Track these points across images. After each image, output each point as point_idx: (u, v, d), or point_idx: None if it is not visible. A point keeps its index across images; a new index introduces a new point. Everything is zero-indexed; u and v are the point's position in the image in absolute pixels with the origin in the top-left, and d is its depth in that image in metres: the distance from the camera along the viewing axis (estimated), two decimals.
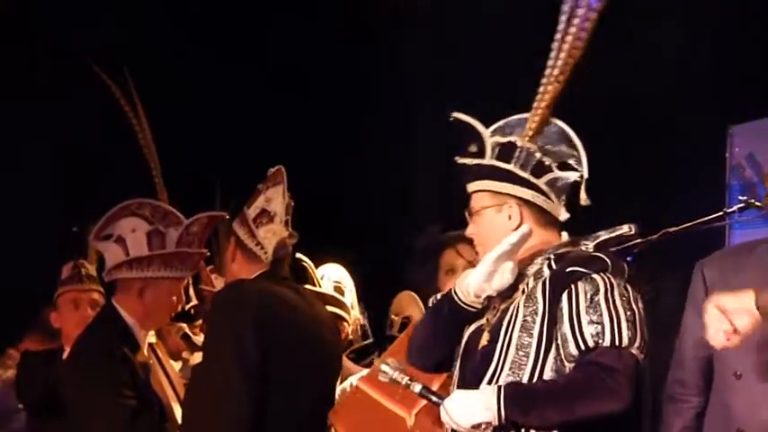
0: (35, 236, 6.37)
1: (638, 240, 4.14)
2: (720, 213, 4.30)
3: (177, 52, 6.97)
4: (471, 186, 3.33)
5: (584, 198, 3.30)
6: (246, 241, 3.91)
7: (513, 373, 3.13)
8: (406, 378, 3.16)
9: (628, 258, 4.13)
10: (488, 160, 3.30)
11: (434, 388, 3.37)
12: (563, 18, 3.23)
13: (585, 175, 3.31)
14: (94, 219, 4.14)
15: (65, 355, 4.50)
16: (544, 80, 3.27)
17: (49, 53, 6.37)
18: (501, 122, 3.36)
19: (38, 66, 6.50)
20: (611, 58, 6.20)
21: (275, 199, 3.90)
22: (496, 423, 3.02)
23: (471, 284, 3.23)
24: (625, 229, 3.30)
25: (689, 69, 6.05)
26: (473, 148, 3.31)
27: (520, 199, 3.28)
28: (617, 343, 3.05)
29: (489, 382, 3.13)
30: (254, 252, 3.90)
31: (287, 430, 3.73)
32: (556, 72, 3.26)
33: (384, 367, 3.18)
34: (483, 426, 3.04)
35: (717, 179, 5.64)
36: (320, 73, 7.14)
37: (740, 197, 4.41)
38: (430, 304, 3.47)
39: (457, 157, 3.35)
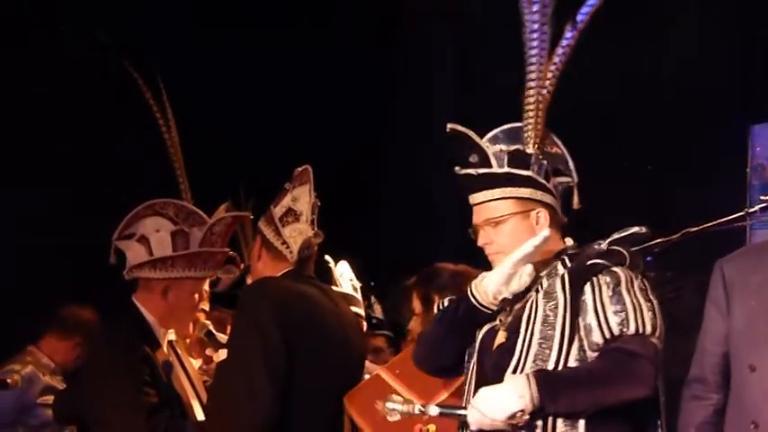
0: (56, 234, 6.39)
1: (659, 240, 4.16)
2: (742, 213, 4.29)
3: (201, 50, 6.98)
4: (484, 195, 3.37)
5: (576, 202, 3.41)
6: (272, 240, 3.94)
7: (537, 364, 3.19)
8: (418, 406, 3.18)
9: (648, 258, 4.15)
10: (504, 168, 3.36)
11: (443, 398, 3.50)
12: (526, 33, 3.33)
13: (576, 180, 3.42)
14: (118, 218, 4.16)
15: None
16: (530, 91, 3.36)
17: (76, 50, 6.38)
18: (495, 132, 3.42)
19: (64, 64, 6.51)
20: (633, 55, 6.21)
21: (302, 198, 3.93)
22: (530, 410, 3.07)
23: (491, 286, 3.29)
24: (636, 228, 3.37)
25: (711, 68, 6.03)
26: (474, 158, 3.36)
27: (544, 204, 3.36)
28: (641, 330, 3.16)
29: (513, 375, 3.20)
30: (280, 251, 3.92)
31: (311, 429, 3.74)
32: (539, 83, 3.35)
33: (390, 405, 3.20)
34: (518, 415, 3.08)
35: (738, 179, 5.62)
36: (345, 69, 7.13)
37: (762, 197, 4.40)
38: (437, 310, 3.54)
39: (458, 168, 3.39)
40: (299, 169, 3.99)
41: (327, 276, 4.28)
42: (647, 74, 6.17)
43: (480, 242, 3.37)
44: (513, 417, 3.07)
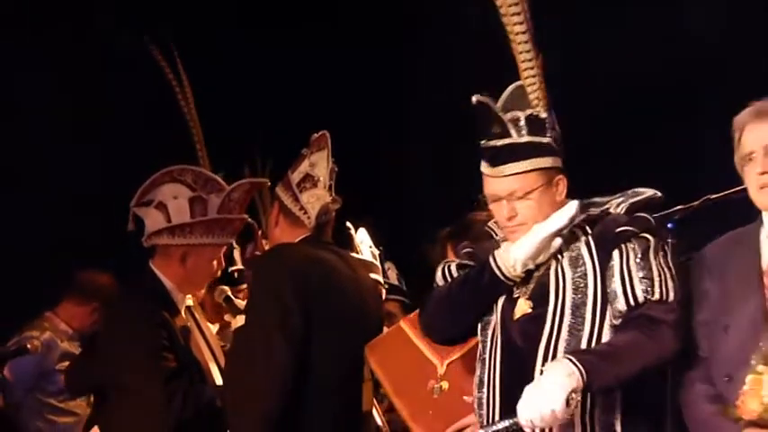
0: (73, 200, 6.41)
1: (679, 207, 4.13)
2: None
3: (216, 18, 6.96)
4: (513, 167, 3.27)
5: None
6: (290, 206, 3.93)
7: (572, 334, 3.20)
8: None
9: (669, 225, 4.13)
10: (525, 137, 3.28)
11: (456, 356, 3.49)
12: None
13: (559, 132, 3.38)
14: (136, 185, 4.16)
15: None
16: (525, 46, 3.27)
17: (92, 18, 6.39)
18: (504, 98, 3.33)
19: (82, 32, 6.51)
20: (654, 20, 6.18)
21: (319, 164, 3.92)
22: (581, 388, 2.98)
23: (521, 260, 3.25)
24: (651, 192, 3.37)
25: (730, 33, 6.00)
26: (497, 129, 3.29)
27: (561, 170, 3.32)
28: (664, 297, 3.19)
29: (547, 346, 3.19)
30: (298, 217, 3.92)
31: (328, 394, 3.75)
32: (529, 35, 3.26)
33: None
34: (573, 396, 2.98)
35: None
36: (363, 32, 7.09)
37: None
38: (441, 274, 3.47)
39: (483, 142, 3.30)
40: (317, 135, 3.98)
41: (348, 243, 4.27)
42: (667, 37, 6.14)
43: (504, 215, 3.28)
44: (569, 401, 2.96)
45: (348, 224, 4.29)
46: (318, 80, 7.01)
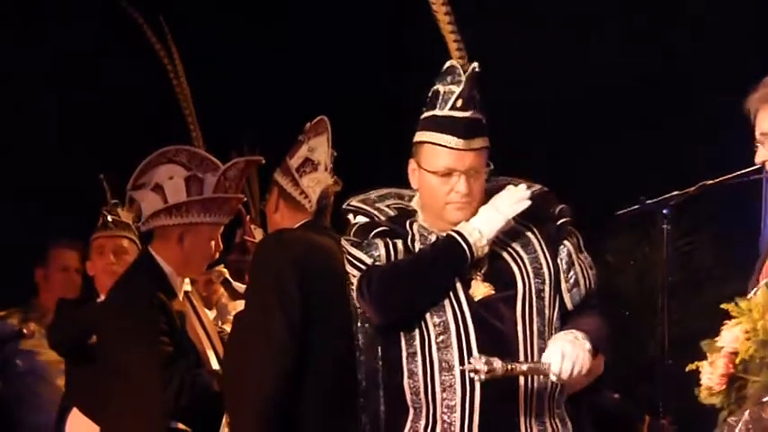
0: (66, 183, 6.38)
1: (675, 193, 4.14)
2: (758, 166, 4.27)
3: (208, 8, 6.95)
4: (481, 142, 3.29)
5: None
6: (290, 190, 3.92)
7: (540, 317, 3.27)
8: (507, 364, 3.13)
9: (664, 211, 4.13)
10: (479, 115, 3.29)
11: None
12: None
13: None
14: (130, 167, 4.14)
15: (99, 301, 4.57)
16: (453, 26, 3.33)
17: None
18: (460, 72, 3.31)
19: (72, 13, 6.49)
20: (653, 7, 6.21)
21: (319, 148, 3.91)
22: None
23: (489, 234, 3.24)
24: (538, 187, 3.37)
25: (727, 21, 6.02)
26: (459, 102, 3.27)
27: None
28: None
29: (524, 327, 3.25)
30: (298, 201, 3.91)
31: (327, 380, 3.74)
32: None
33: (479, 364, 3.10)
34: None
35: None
36: (358, 17, 7.08)
37: None
38: (385, 252, 3.37)
39: (459, 109, 3.27)
40: (314, 120, 3.96)
41: (346, 228, 4.28)
42: (664, 24, 6.16)
43: (462, 190, 3.26)
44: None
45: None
46: (306, 67, 6.99)
